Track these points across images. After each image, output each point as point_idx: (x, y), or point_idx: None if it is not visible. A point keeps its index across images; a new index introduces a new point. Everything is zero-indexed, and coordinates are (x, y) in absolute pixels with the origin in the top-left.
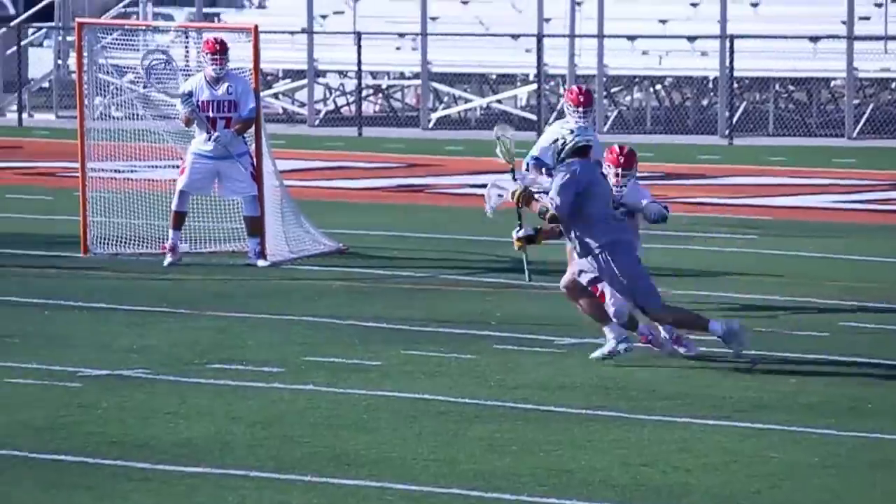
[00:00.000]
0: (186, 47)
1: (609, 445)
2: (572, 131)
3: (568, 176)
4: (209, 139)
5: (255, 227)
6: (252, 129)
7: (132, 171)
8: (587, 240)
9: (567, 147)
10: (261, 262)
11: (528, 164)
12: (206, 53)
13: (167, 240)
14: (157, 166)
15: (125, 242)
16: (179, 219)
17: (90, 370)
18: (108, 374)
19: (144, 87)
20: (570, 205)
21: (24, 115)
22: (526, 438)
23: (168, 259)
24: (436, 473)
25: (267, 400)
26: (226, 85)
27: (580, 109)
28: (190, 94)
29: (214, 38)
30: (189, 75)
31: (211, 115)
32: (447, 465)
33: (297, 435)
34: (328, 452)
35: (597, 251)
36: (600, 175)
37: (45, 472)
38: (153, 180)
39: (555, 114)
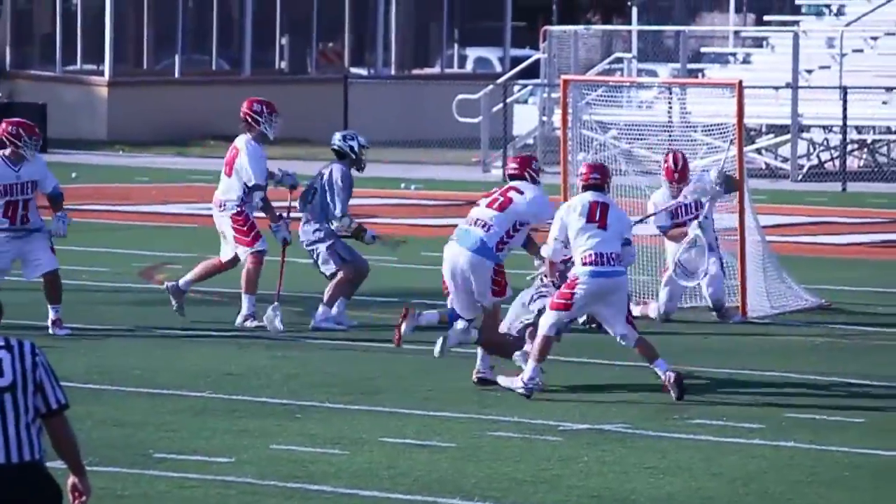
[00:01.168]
0: (670, 103)
1: None
2: None
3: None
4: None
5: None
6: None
7: None
8: None
9: None
10: (734, 318)
11: None
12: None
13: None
14: (645, 222)
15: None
16: None
17: (571, 424)
18: (588, 429)
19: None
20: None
21: None
22: None
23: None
24: None
25: (747, 456)
26: None
27: None
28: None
29: None
30: (670, 131)
31: None
32: None
33: (777, 492)
34: None
35: None
36: None
37: None
38: (652, 235)
39: None
